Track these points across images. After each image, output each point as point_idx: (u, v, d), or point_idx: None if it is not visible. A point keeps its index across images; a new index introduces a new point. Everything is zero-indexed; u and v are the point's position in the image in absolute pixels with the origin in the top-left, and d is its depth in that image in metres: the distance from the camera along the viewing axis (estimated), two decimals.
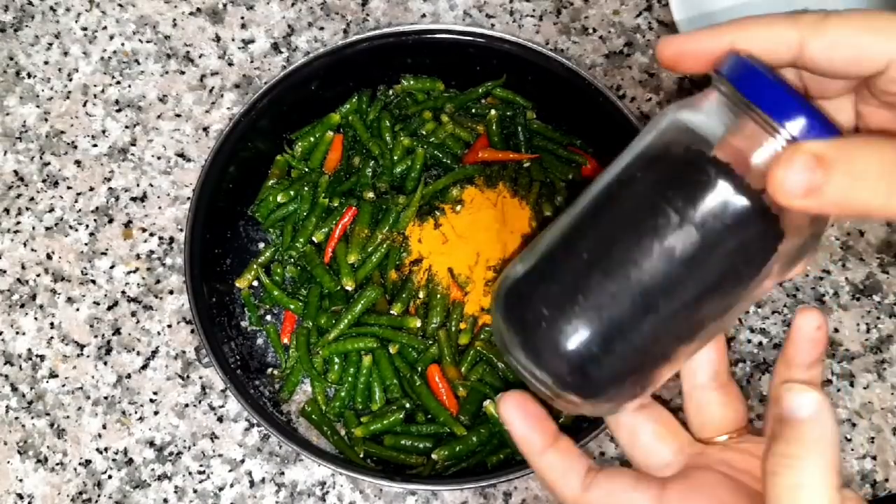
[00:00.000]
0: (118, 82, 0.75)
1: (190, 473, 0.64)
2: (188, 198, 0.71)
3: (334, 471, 0.60)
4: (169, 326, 0.68)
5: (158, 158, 0.73)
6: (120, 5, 0.78)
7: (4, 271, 0.70)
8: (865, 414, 0.65)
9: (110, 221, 0.71)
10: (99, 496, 0.64)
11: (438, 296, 0.63)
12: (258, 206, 0.68)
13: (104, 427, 0.66)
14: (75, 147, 0.73)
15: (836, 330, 0.65)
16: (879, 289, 0.66)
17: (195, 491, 0.64)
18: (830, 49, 0.28)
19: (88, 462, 0.65)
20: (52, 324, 0.68)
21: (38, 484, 0.65)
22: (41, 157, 0.73)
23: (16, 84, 0.75)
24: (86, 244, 0.70)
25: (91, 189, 0.72)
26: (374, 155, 0.68)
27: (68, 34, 0.77)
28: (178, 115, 0.74)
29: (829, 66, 0.28)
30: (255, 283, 0.67)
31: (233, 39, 0.76)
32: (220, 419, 0.66)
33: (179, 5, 0.77)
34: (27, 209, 0.71)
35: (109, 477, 0.65)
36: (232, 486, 0.64)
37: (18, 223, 0.71)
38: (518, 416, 0.33)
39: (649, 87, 0.73)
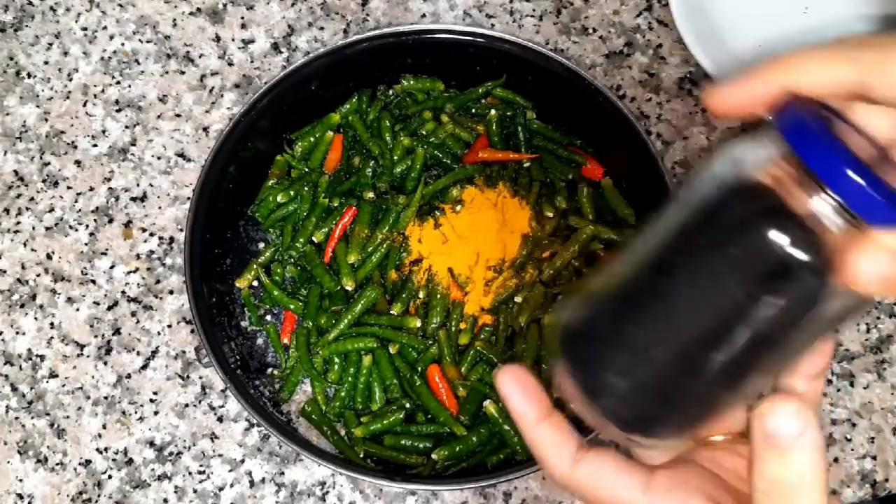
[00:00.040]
0: (118, 82, 0.75)
1: (190, 473, 0.64)
2: (188, 198, 0.71)
3: (334, 471, 0.60)
4: (169, 326, 0.68)
5: (158, 158, 0.73)
6: (120, 5, 0.78)
7: (4, 271, 0.70)
8: (865, 414, 0.65)
9: (110, 221, 0.71)
10: (99, 496, 0.64)
11: (438, 296, 0.63)
12: (258, 206, 0.68)
13: (104, 427, 0.66)
14: (75, 147, 0.73)
15: (836, 330, 0.65)
16: None
17: (195, 491, 0.64)
18: None
19: (88, 462, 0.65)
20: (52, 324, 0.68)
21: (38, 484, 0.65)
22: (41, 157, 0.73)
23: (16, 84, 0.75)
24: (86, 244, 0.70)
25: (91, 189, 0.72)
26: (374, 155, 0.68)
27: (68, 34, 0.77)
28: (178, 115, 0.74)
29: None
30: (255, 283, 0.67)
31: (233, 39, 0.76)
32: (220, 419, 0.66)
33: (179, 5, 0.77)
34: (27, 209, 0.71)
35: (109, 477, 0.65)
36: (232, 486, 0.64)
37: (18, 223, 0.71)
38: (515, 388, 0.33)
39: (649, 87, 0.73)
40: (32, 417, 0.66)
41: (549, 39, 0.75)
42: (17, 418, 0.66)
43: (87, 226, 0.71)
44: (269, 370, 0.65)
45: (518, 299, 0.62)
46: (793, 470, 0.27)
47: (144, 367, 0.67)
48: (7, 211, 0.71)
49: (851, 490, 0.63)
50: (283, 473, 0.64)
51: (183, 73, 0.75)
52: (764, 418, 0.27)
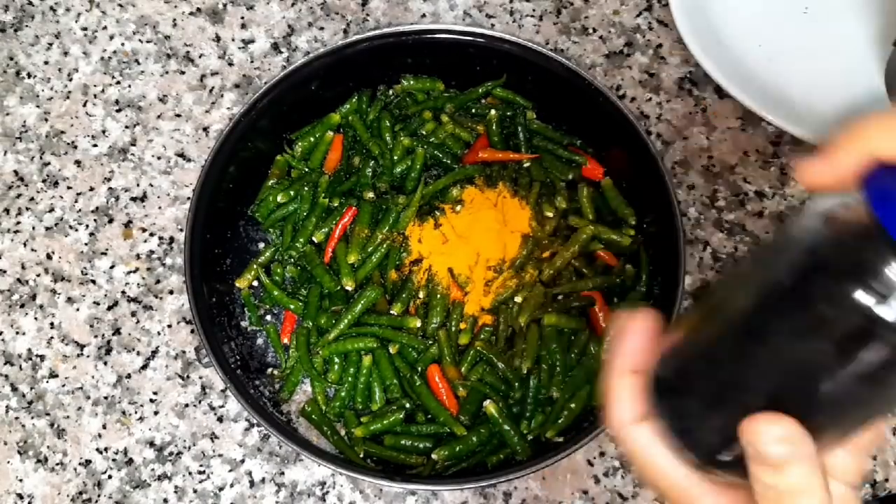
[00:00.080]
0: (118, 82, 0.75)
1: (190, 473, 0.64)
2: (188, 198, 0.71)
3: (334, 471, 0.60)
4: (169, 326, 0.68)
5: (158, 158, 0.73)
6: (120, 5, 0.78)
7: (4, 271, 0.70)
8: None
9: (110, 221, 0.71)
10: (99, 496, 0.64)
11: (438, 296, 0.63)
12: (258, 206, 0.68)
13: (104, 427, 0.66)
14: (75, 147, 0.73)
15: None
16: None
17: (195, 491, 0.64)
18: None
19: (88, 462, 0.65)
20: (52, 324, 0.68)
21: (38, 484, 0.65)
22: (41, 157, 0.73)
23: (16, 84, 0.75)
24: (86, 244, 0.70)
25: (91, 189, 0.72)
26: (374, 155, 0.68)
27: (68, 34, 0.77)
28: (178, 115, 0.74)
29: None
30: (255, 283, 0.67)
31: (233, 39, 0.76)
32: (220, 419, 0.66)
33: (179, 5, 0.77)
34: (27, 209, 0.71)
35: (109, 477, 0.65)
36: (232, 486, 0.64)
37: (18, 223, 0.71)
38: (637, 333, 0.34)
39: (649, 87, 0.73)
40: (32, 417, 0.66)
41: (549, 39, 0.75)
42: (17, 418, 0.66)
43: (87, 226, 0.71)
44: (269, 370, 0.65)
45: (518, 299, 0.62)
46: (788, 481, 0.28)
47: (144, 367, 0.67)
48: (7, 211, 0.71)
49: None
50: (283, 473, 0.64)
51: (183, 73, 0.75)
52: (754, 441, 0.28)
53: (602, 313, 0.62)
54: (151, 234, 0.70)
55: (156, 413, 0.66)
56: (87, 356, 0.67)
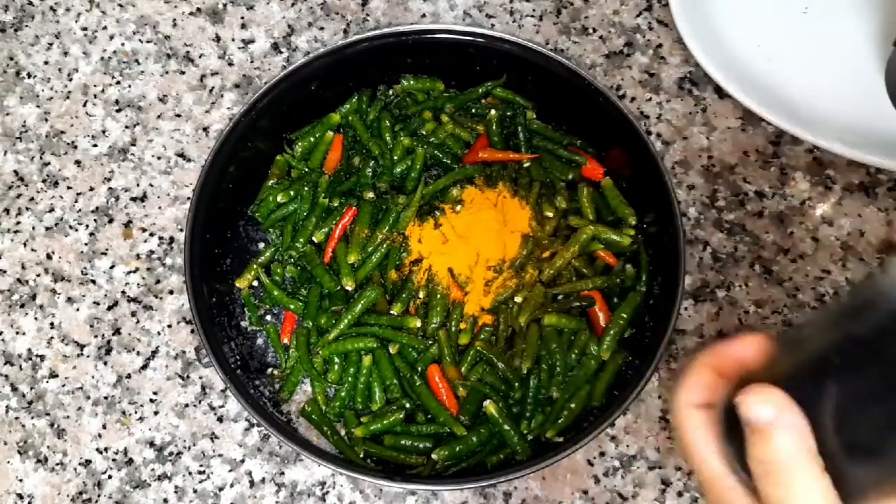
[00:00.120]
0: (118, 82, 0.75)
1: (190, 473, 0.64)
2: (188, 198, 0.71)
3: (334, 471, 0.60)
4: (169, 326, 0.68)
5: (158, 158, 0.73)
6: (120, 5, 0.78)
7: (4, 271, 0.70)
8: None
9: (110, 221, 0.71)
10: (99, 496, 0.64)
11: (438, 296, 0.63)
12: (258, 206, 0.68)
13: (104, 427, 0.66)
14: (75, 147, 0.73)
15: None
16: None
17: (195, 491, 0.64)
18: None
19: (88, 462, 0.65)
20: (52, 324, 0.68)
21: (38, 484, 0.65)
22: (41, 157, 0.73)
23: (16, 84, 0.75)
24: (86, 244, 0.70)
25: (91, 189, 0.72)
26: (374, 155, 0.68)
27: (68, 34, 0.77)
28: (178, 115, 0.74)
29: None
30: (255, 283, 0.67)
31: (233, 39, 0.76)
32: (220, 419, 0.66)
33: (179, 5, 0.77)
34: (27, 209, 0.71)
35: (109, 477, 0.65)
36: (232, 486, 0.64)
37: (18, 223, 0.71)
38: (747, 341, 0.36)
39: (649, 87, 0.73)
40: (32, 417, 0.66)
41: (549, 39, 0.75)
42: (17, 418, 0.66)
43: (87, 226, 0.71)
44: (269, 370, 0.65)
45: (518, 299, 0.62)
46: (777, 449, 0.30)
47: (144, 367, 0.67)
48: (7, 211, 0.71)
49: None
50: (283, 473, 0.64)
51: (183, 73, 0.75)
52: (742, 406, 0.31)
53: (602, 313, 0.62)
54: (151, 234, 0.70)
55: (156, 413, 0.66)
56: (87, 356, 0.67)
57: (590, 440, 0.55)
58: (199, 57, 0.76)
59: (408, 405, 0.62)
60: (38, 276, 0.70)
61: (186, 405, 0.66)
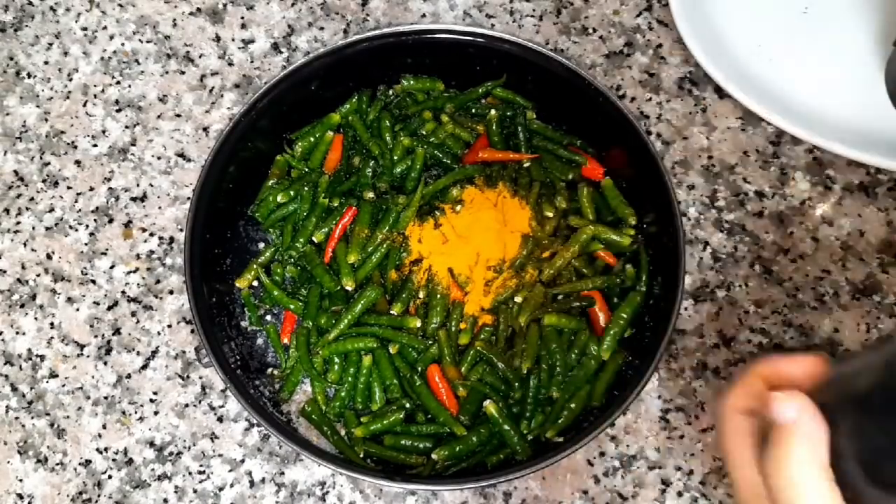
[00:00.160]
0: (118, 82, 0.75)
1: (190, 473, 0.64)
2: (188, 198, 0.71)
3: (334, 471, 0.60)
4: (169, 326, 0.68)
5: (158, 158, 0.73)
6: (120, 5, 0.78)
7: (4, 271, 0.70)
8: None
9: (110, 221, 0.71)
10: (99, 496, 0.64)
11: (438, 296, 0.63)
12: (258, 206, 0.68)
13: (104, 427, 0.66)
14: (75, 147, 0.73)
15: (836, 330, 0.65)
16: (879, 289, 0.66)
17: (195, 491, 0.64)
18: None
19: (88, 462, 0.65)
20: (52, 324, 0.68)
21: (38, 484, 0.65)
22: (41, 157, 0.73)
23: (16, 84, 0.75)
24: (86, 244, 0.70)
25: (91, 189, 0.72)
26: (374, 155, 0.68)
27: (68, 34, 0.77)
28: (178, 115, 0.74)
29: None
30: (255, 283, 0.67)
31: (233, 39, 0.76)
32: (220, 419, 0.66)
33: (179, 5, 0.77)
34: (27, 209, 0.71)
35: (109, 477, 0.65)
36: (232, 486, 0.64)
37: (18, 223, 0.71)
38: (806, 363, 0.37)
39: (649, 87, 0.73)
40: (32, 417, 0.66)
41: (549, 39, 0.75)
42: (17, 418, 0.66)
43: (87, 226, 0.71)
44: (269, 370, 0.65)
45: (518, 299, 0.62)
46: (790, 450, 0.33)
47: (144, 367, 0.67)
48: (7, 211, 0.71)
49: None
50: (283, 473, 0.64)
51: (183, 73, 0.75)
52: (770, 402, 0.34)
53: (602, 313, 0.62)
54: (151, 234, 0.70)
55: (156, 413, 0.66)
56: (87, 356, 0.67)
57: (590, 440, 0.55)
58: (199, 57, 0.76)
59: (408, 405, 0.62)
60: (38, 276, 0.70)
61: (186, 405, 0.66)
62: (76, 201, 0.71)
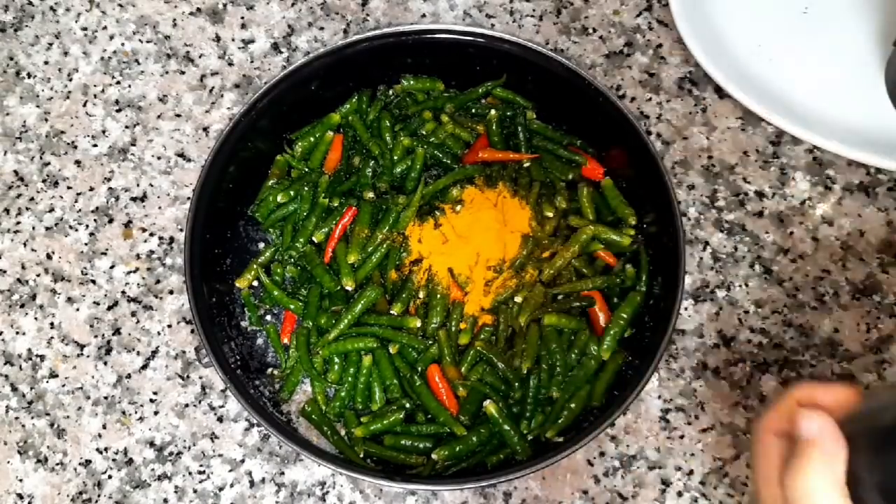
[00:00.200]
0: (118, 82, 0.75)
1: (190, 473, 0.64)
2: (188, 198, 0.71)
3: (334, 471, 0.60)
4: (169, 326, 0.68)
5: (158, 158, 0.73)
6: (120, 5, 0.78)
7: (4, 271, 0.70)
8: None
9: (110, 221, 0.71)
10: (99, 496, 0.64)
11: (438, 296, 0.63)
12: (258, 206, 0.68)
13: (104, 427, 0.66)
14: (75, 147, 0.73)
15: (836, 330, 0.65)
16: (879, 289, 0.66)
17: (195, 491, 0.64)
18: None
19: (88, 462, 0.65)
20: (52, 324, 0.68)
21: (38, 484, 0.65)
22: (41, 157, 0.73)
23: (16, 84, 0.75)
24: (86, 244, 0.70)
25: (91, 189, 0.72)
26: (374, 155, 0.68)
27: (68, 34, 0.77)
28: (178, 115, 0.74)
29: None
30: (255, 283, 0.67)
31: (233, 39, 0.76)
32: (220, 419, 0.66)
33: (179, 5, 0.77)
34: (27, 209, 0.71)
35: (109, 477, 0.65)
36: (232, 486, 0.64)
37: (18, 223, 0.71)
38: (835, 392, 0.39)
39: (649, 87, 0.73)
40: (32, 417, 0.66)
41: (549, 39, 0.75)
42: (17, 418, 0.66)
43: (87, 226, 0.71)
44: (269, 370, 0.65)
45: (518, 299, 0.62)
46: (807, 464, 0.34)
47: (144, 367, 0.67)
48: (7, 211, 0.71)
49: None
50: (283, 473, 0.64)
51: (183, 73, 0.75)
52: (795, 417, 0.36)
53: (602, 313, 0.62)
54: (151, 234, 0.70)
55: (156, 413, 0.66)
56: (87, 356, 0.67)
57: (590, 440, 0.55)
58: (199, 57, 0.76)
59: (408, 405, 0.62)
60: (38, 276, 0.70)
61: (186, 405, 0.66)
62: (76, 201, 0.71)
